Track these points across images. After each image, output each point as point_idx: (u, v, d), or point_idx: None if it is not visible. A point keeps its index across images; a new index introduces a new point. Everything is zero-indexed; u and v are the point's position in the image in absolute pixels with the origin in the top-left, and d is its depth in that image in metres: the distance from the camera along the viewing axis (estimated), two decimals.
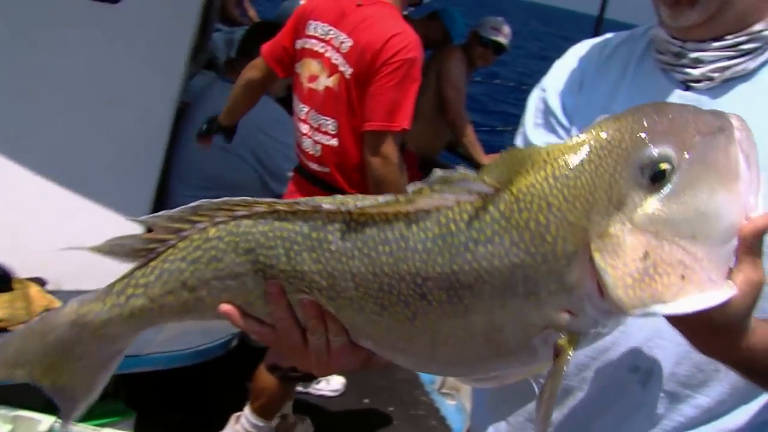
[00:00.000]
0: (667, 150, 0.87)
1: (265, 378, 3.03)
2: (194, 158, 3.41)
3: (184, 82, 3.10)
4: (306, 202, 0.97)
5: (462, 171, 0.90)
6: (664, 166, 0.87)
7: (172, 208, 1.02)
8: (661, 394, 1.24)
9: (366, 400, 3.96)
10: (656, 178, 0.87)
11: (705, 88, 1.22)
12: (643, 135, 0.88)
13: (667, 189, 0.87)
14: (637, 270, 0.85)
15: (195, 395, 3.51)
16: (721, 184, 0.87)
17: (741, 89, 1.21)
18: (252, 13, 8.66)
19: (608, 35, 1.43)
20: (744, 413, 1.24)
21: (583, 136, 0.90)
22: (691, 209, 0.86)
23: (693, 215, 0.86)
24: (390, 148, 2.80)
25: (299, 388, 3.79)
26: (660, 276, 0.85)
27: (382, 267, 0.93)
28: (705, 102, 1.20)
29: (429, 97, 4.93)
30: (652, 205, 0.87)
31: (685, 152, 0.87)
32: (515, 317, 0.90)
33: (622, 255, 0.86)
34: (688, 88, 1.24)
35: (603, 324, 0.92)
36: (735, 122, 0.89)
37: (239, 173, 3.39)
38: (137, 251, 1.04)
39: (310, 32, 2.96)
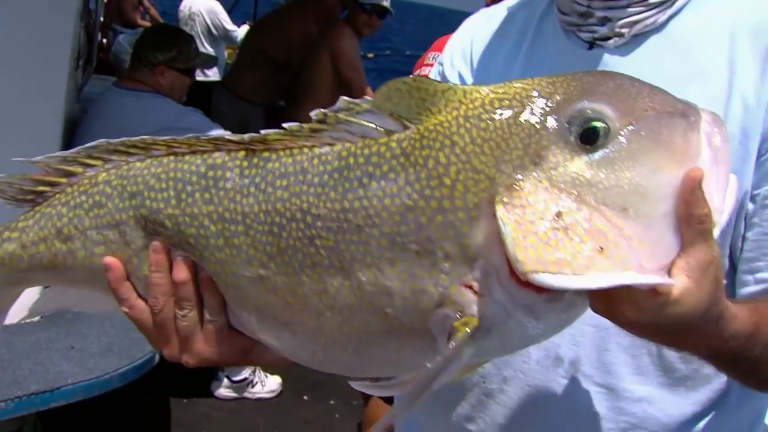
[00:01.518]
0: (604, 108, 0.79)
1: (379, 407, 2.86)
2: None
3: (72, 91, 2.95)
4: (211, 138, 0.91)
5: (372, 102, 0.84)
6: (597, 124, 0.79)
7: None
8: (596, 388, 1.17)
9: (305, 397, 3.90)
10: (587, 138, 0.79)
11: (614, 46, 1.18)
12: (578, 90, 0.81)
13: (599, 152, 0.79)
14: (545, 229, 0.76)
15: (123, 423, 3.38)
16: (672, 165, 0.79)
17: (651, 43, 1.17)
18: (153, 12, 8.43)
19: (504, 2, 1.39)
20: (693, 400, 1.18)
21: (511, 83, 0.83)
22: (625, 180, 0.78)
23: (627, 187, 0.78)
24: None
25: (232, 394, 3.71)
26: (571, 241, 0.75)
27: (276, 204, 0.87)
28: (612, 60, 1.16)
29: (326, 78, 4.84)
30: (577, 165, 0.79)
31: (630, 120, 0.79)
32: (407, 280, 0.82)
33: (530, 211, 0.77)
34: (592, 47, 1.20)
35: (518, 318, 0.81)
36: (706, 116, 0.82)
37: None
38: (26, 192, 0.98)
39: None
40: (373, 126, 0.84)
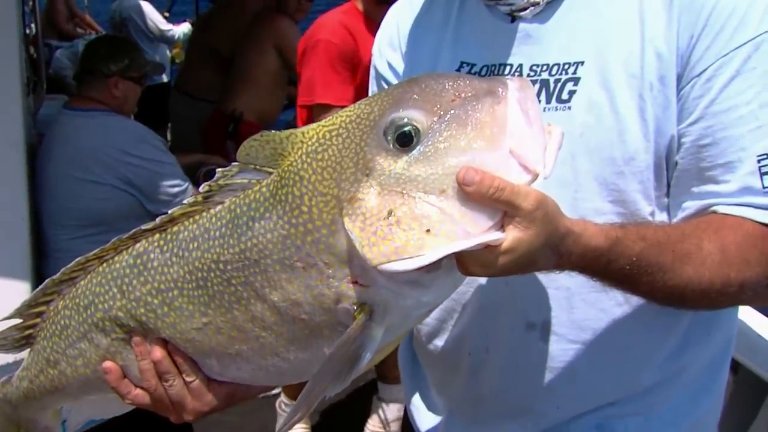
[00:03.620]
0: (410, 113, 0.91)
1: None
2: (61, 199, 3.16)
3: (27, 119, 2.82)
4: (130, 234, 1.09)
5: (239, 165, 1.01)
6: (407, 128, 0.91)
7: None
8: (571, 345, 1.25)
9: None
10: (403, 142, 0.91)
11: (532, 15, 1.23)
12: (389, 103, 0.93)
13: (416, 151, 0.91)
14: (381, 227, 0.89)
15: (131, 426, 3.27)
16: (478, 140, 0.89)
17: (566, 6, 1.22)
18: (88, 20, 8.16)
19: None
20: (664, 336, 1.25)
21: (339, 113, 0.97)
22: (439, 166, 0.89)
23: (441, 172, 0.89)
24: None
25: None
26: (403, 231, 0.88)
27: (194, 263, 1.04)
28: (533, 29, 1.23)
29: (268, 72, 4.63)
30: (399, 166, 0.91)
31: (438, 114, 0.91)
32: (306, 290, 0.98)
33: (369, 216, 0.90)
34: (514, 20, 1.25)
35: (408, 293, 0.95)
36: (512, 84, 0.92)
37: (113, 202, 3.18)
38: (18, 340, 1.19)
39: None
40: (247, 180, 1.01)
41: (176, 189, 3.24)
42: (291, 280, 0.98)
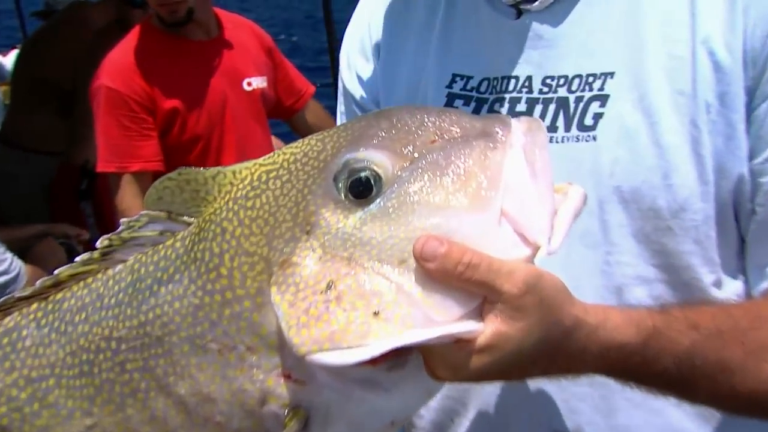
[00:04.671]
0: (373, 154, 0.76)
1: None
2: None
3: None
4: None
5: (148, 213, 0.83)
6: (365, 173, 0.75)
7: None
8: None
9: None
10: (359, 192, 0.75)
11: (543, 7, 1.04)
12: (347, 140, 0.78)
13: (374, 205, 0.75)
14: (315, 304, 0.73)
15: None
16: (459, 197, 0.74)
17: None
18: None
19: None
20: None
21: (283, 149, 0.81)
22: (402, 228, 0.73)
23: (404, 235, 0.73)
24: None
25: None
26: (344, 311, 0.72)
27: (79, 341, 0.84)
28: (547, 30, 1.04)
29: None
30: (350, 224, 0.75)
31: (409, 159, 0.75)
32: (221, 382, 0.79)
33: (302, 287, 0.74)
34: (520, 15, 1.06)
35: (359, 396, 0.77)
36: (518, 125, 0.77)
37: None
38: None
39: None
40: (158, 233, 0.83)
41: None
42: (203, 367, 0.79)
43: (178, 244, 0.82)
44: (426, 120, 0.76)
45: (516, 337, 0.74)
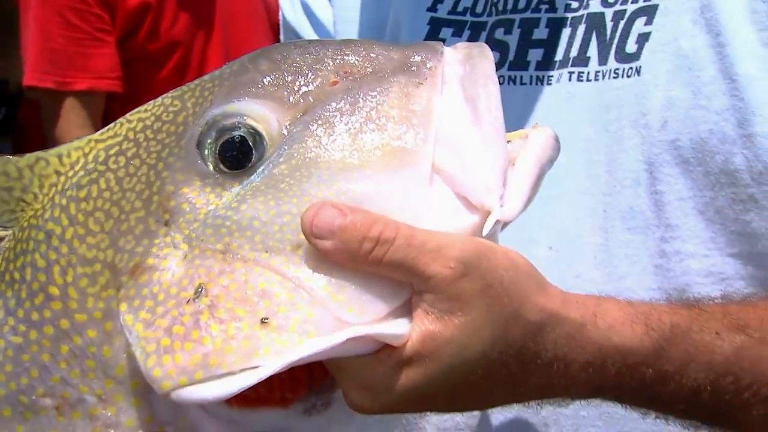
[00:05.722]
0: (250, 106, 0.59)
1: None
2: None
3: None
4: None
5: None
6: (239, 133, 0.59)
7: None
8: None
9: None
10: (234, 159, 0.59)
11: None
12: (212, 94, 0.61)
13: (256, 175, 0.59)
14: (181, 319, 0.56)
15: None
16: (373, 153, 0.58)
17: None
18: None
19: None
20: None
21: (125, 117, 0.64)
22: (293, 201, 0.57)
23: (297, 210, 0.57)
24: None
25: None
26: (220, 324, 0.55)
27: None
28: None
29: None
30: (223, 204, 0.59)
31: (302, 108, 0.59)
32: None
33: (163, 298, 0.57)
34: None
35: None
36: (452, 53, 0.62)
37: None
38: None
39: None
40: None
41: None
42: None
43: None
44: (322, 55, 0.60)
45: (456, 339, 0.56)
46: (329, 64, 0.60)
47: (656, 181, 0.80)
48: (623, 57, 0.81)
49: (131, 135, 0.62)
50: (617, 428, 0.81)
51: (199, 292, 0.56)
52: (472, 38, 0.89)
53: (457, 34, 0.90)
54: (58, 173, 0.63)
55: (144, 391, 0.59)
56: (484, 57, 0.61)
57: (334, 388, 0.60)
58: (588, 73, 0.83)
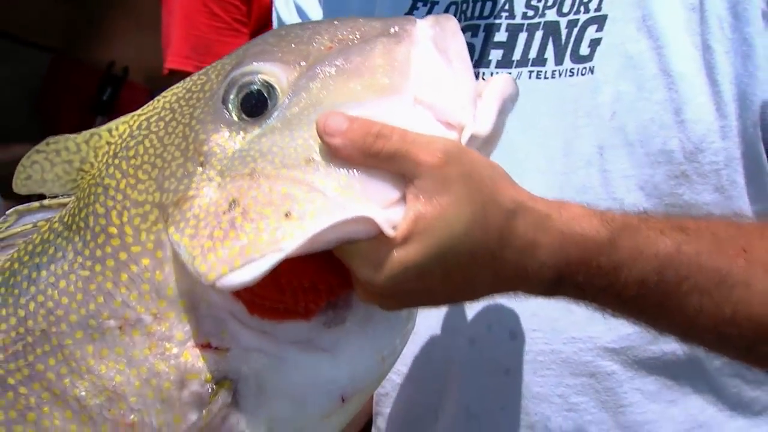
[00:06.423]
0: (263, 66, 0.70)
1: None
2: None
3: None
4: None
5: (16, 210, 0.77)
6: (256, 87, 0.69)
7: None
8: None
9: None
10: (253, 108, 0.69)
11: None
12: (230, 64, 0.72)
13: (274, 116, 0.69)
14: (219, 226, 0.66)
15: None
16: (365, 91, 0.68)
17: None
18: None
19: None
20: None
21: (161, 94, 0.76)
22: (305, 129, 0.67)
23: (308, 135, 0.67)
24: None
25: None
26: (252, 222, 0.65)
27: None
28: None
29: None
30: (248, 140, 0.69)
31: (306, 67, 0.69)
32: (127, 369, 0.70)
33: (203, 216, 0.67)
34: None
35: (295, 360, 0.69)
36: (423, 22, 0.72)
37: None
38: None
39: None
40: (32, 225, 0.76)
41: None
42: (103, 355, 0.69)
43: (56, 225, 0.74)
44: (318, 28, 0.71)
45: (443, 216, 0.64)
46: (324, 34, 0.70)
47: (605, 162, 0.87)
48: (578, 58, 0.89)
49: (167, 105, 0.73)
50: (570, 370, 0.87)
51: (232, 205, 0.66)
52: None
53: None
54: (109, 144, 0.73)
55: (192, 308, 0.69)
56: (450, 20, 0.71)
57: (350, 304, 0.69)
58: (546, 71, 0.90)
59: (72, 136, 0.74)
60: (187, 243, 0.66)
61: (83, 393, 0.70)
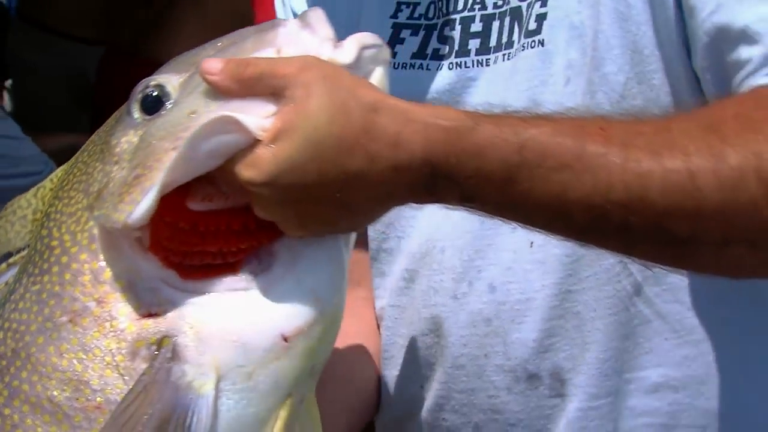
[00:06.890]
0: (158, 77, 0.79)
1: None
2: None
3: None
4: None
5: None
6: (152, 91, 0.78)
7: None
8: (599, 402, 0.97)
9: None
10: (152, 106, 0.78)
11: None
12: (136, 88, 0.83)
13: (168, 105, 0.78)
14: (126, 182, 0.75)
15: None
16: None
17: None
18: None
19: None
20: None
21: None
22: (189, 100, 0.76)
23: (191, 101, 0.76)
24: None
25: None
26: (149, 169, 0.74)
27: None
28: None
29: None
30: (149, 128, 0.78)
31: (193, 68, 0.78)
32: (87, 355, 0.76)
33: (115, 189, 0.76)
34: None
35: (230, 305, 0.75)
36: (293, 20, 0.81)
37: None
38: None
39: None
40: (3, 284, 0.85)
41: None
42: (62, 350, 0.76)
43: (17, 271, 0.83)
44: (204, 45, 0.81)
45: (306, 112, 0.70)
46: (207, 47, 0.80)
47: None
48: (527, 33, 0.98)
49: (93, 137, 0.84)
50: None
51: (135, 168, 0.75)
52: (426, 37, 1.06)
53: (414, 34, 1.06)
54: (51, 189, 0.84)
55: (130, 285, 0.76)
56: (313, 9, 0.79)
57: (272, 252, 0.75)
58: (511, 53, 1.00)
59: (23, 195, 0.86)
60: (105, 211, 0.74)
61: (54, 392, 0.76)
